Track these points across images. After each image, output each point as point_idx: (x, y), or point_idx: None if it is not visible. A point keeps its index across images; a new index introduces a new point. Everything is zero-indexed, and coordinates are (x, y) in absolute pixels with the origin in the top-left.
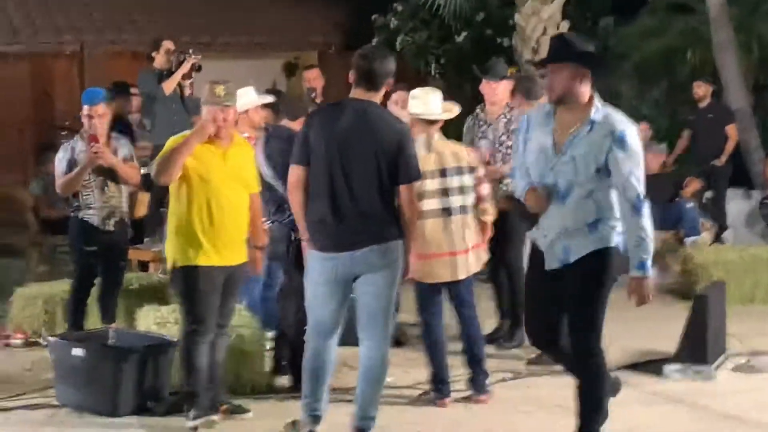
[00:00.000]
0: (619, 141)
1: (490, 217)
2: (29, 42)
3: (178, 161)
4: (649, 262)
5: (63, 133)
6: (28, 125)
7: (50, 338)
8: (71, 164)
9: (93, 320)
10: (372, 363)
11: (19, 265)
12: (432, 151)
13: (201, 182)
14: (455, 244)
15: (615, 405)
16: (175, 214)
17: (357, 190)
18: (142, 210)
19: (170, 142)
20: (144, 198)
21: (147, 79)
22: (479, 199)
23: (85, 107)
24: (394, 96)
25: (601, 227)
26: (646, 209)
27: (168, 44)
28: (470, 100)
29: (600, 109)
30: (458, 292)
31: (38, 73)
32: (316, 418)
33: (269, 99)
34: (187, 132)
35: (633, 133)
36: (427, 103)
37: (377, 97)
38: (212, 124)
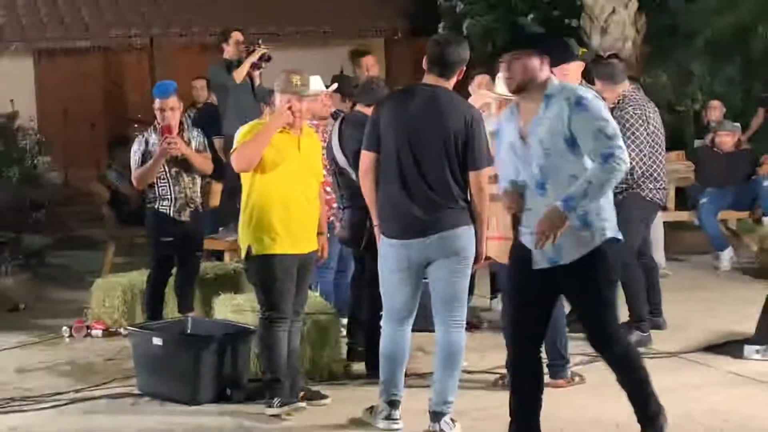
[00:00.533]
0: (577, 104)
1: None
2: (100, 37)
3: (259, 149)
4: (574, 204)
5: (135, 125)
6: (101, 119)
7: (130, 328)
8: (145, 156)
9: (171, 310)
10: (447, 348)
11: (97, 257)
12: None
13: (277, 171)
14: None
15: (695, 387)
16: (249, 204)
17: (427, 176)
18: (215, 200)
19: (245, 130)
20: (217, 188)
21: (217, 70)
22: None
23: (157, 100)
24: (478, 78)
25: (591, 221)
26: (618, 165)
27: (237, 35)
28: None
29: (555, 84)
30: None
31: (109, 67)
32: (394, 403)
33: (334, 87)
34: (259, 120)
35: (592, 97)
36: None
37: (449, 84)
38: (289, 113)
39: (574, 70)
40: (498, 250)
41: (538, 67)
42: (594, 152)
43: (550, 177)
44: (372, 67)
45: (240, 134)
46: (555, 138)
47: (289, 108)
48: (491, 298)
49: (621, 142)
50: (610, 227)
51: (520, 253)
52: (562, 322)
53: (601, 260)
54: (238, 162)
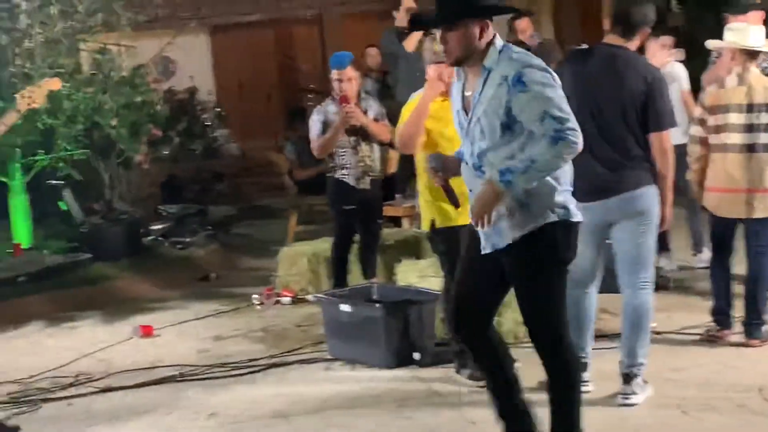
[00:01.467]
0: (516, 83)
1: None
2: (271, 9)
3: (418, 128)
4: (515, 182)
5: (309, 96)
6: (276, 90)
7: (318, 295)
8: (325, 126)
9: (355, 276)
10: (634, 309)
11: (278, 226)
12: (744, 85)
13: (445, 141)
14: (755, 182)
15: None
16: (426, 177)
17: (607, 137)
18: (392, 167)
19: (406, 107)
20: (394, 155)
21: (389, 37)
22: None
23: (335, 71)
24: (662, 39)
25: (530, 203)
26: (568, 149)
27: (408, 2)
28: (712, 32)
29: (494, 53)
30: (753, 231)
31: (280, 39)
32: (582, 366)
33: None
34: (419, 93)
35: (532, 69)
36: (746, 35)
37: (632, 45)
38: (439, 82)
39: (753, 19)
40: (715, 201)
41: (476, 35)
42: (543, 135)
43: (487, 158)
44: (525, 30)
45: (403, 112)
46: (491, 120)
47: (439, 77)
48: (694, 254)
49: (572, 123)
50: (558, 210)
51: (470, 234)
52: (766, 279)
53: (542, 244)
54: (400, 142)
